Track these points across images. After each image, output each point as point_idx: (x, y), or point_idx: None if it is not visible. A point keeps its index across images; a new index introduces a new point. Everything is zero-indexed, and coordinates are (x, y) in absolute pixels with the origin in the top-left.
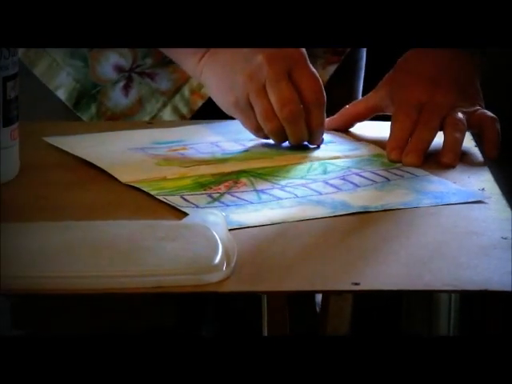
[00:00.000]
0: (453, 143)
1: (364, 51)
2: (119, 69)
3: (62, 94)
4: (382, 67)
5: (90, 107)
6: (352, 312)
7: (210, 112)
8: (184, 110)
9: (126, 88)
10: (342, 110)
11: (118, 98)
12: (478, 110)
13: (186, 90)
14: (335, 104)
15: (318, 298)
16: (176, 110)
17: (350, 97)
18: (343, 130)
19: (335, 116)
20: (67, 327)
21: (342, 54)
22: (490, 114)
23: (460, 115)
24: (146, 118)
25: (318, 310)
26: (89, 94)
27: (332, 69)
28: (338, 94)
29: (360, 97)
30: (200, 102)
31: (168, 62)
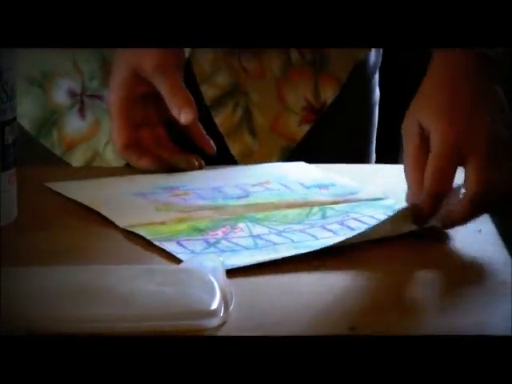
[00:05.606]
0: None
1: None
2: (72, 93)
3: (26, 124)
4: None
5: (52, 134)
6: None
7: None
8: None
9: (81, 111)
10: (411, 183)
11: (75, 122)
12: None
13: None
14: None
15: None
16: None
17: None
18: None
19: (411, 191)
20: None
21: (319, 113)
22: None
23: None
24: (105, 139)
25: None
26: (49, 121)
27: (306, 128)
28: (317, 150)
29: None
30: None
31: None
